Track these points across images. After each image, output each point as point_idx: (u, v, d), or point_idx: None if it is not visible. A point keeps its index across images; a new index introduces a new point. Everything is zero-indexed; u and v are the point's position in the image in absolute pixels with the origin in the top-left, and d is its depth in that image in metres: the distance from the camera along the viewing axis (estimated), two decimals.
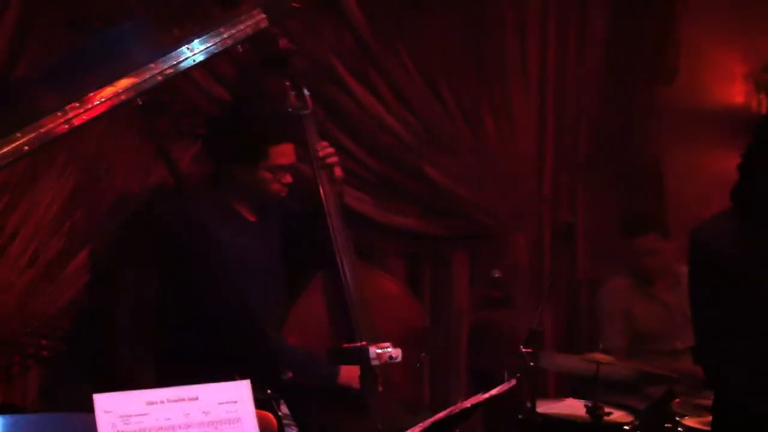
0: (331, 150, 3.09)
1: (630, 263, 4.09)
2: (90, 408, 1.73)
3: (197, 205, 2.87)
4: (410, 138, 3.80)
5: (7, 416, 1.89)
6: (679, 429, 3.22)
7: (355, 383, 2.43)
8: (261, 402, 1.97)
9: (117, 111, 2.02)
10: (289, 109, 3.11)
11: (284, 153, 2.91)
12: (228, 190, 2.94)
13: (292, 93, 3.13)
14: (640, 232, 4.00)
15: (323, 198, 3.01)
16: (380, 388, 2.57)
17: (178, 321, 2.84)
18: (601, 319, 4.08)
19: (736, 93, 4.45)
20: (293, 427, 2.70)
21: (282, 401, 2.48)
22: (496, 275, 3.33)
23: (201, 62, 2.10)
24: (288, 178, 2.94)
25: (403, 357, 2.35)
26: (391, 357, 2.26)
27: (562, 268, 4.10)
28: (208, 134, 3.25)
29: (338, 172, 3.12)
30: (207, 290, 2.49)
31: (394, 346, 2.28)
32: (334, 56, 3.65)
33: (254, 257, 2.89)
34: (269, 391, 2.26)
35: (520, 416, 3.29)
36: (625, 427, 3.31)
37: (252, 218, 2.97)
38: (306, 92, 3.14)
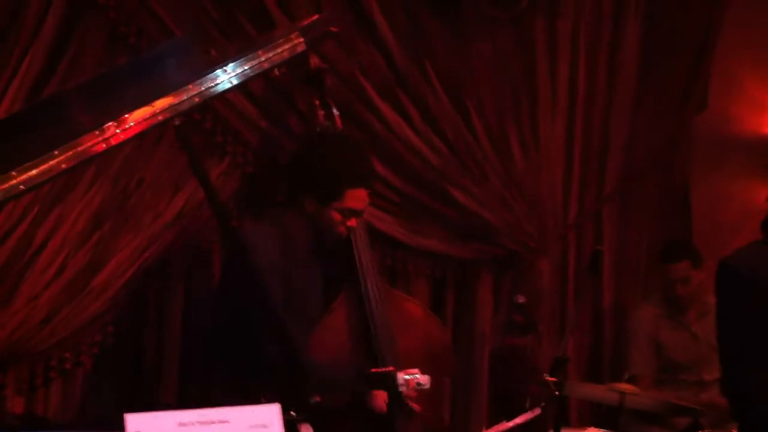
0: None
1: (660, 291, 4.05)
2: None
3: (258, 227, 2.86)
4: (437, 160, 3.79)
5: None
6: None
7: (383, 407, 2.41)
8: (285, 423, 1.96)
9: (153, 131, 2.02)
10: (317, 129, 3.10)
11: (359, 197, 2.85)
12: (289, 218, 2.89)
13: (321, 112, 3.13)
14: (673, 259, 3.97)
15: None
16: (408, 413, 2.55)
17: (219, 335, 2.84)
18: (629, 346, 4.05)
19: (767, 123, 4.42)
20: None
21: (306, 424, 2.47)
22: (521, 300, 3.29)
23: (237, 85, 2.10)
24: (353, 222, 2.87)
25: None
26: (419, 383, 2.24)
27: (588, 296, 4.06)
28: (288, 164, 3.14)
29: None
30: (253, 312, 2.48)
31: (422, 372, 2.26)
32: (363, 76, 3.65)
33: (303, 285, 2.86)
34: (293, 413, 2.24)
35: None
36: None
37: (306, 248, 2.91)
38: (335, 111, 3.14)
